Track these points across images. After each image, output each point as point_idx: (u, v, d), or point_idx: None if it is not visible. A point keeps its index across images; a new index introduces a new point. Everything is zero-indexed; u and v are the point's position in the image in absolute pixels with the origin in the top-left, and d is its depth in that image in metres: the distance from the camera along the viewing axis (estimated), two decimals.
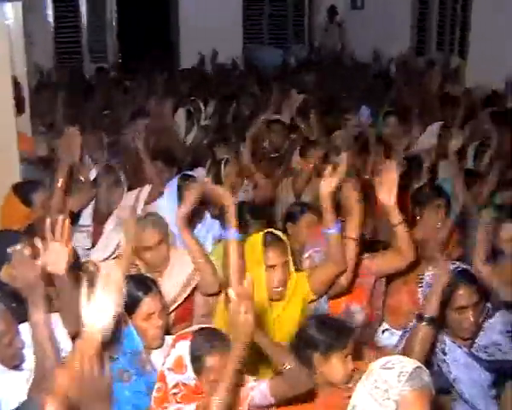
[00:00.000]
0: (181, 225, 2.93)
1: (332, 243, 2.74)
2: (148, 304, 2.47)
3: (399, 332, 3.10)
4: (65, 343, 2.48)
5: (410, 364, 1.75)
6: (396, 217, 2.80)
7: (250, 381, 2.27)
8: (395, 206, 2.77)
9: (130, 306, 2.43)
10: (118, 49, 10.28)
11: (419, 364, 1.78)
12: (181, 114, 5.94)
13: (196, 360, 2.15)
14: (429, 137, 4.90)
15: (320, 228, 3.17)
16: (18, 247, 2.17)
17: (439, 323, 2.48)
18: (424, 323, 2.32)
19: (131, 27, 10.48)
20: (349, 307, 3.03)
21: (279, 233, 2.81)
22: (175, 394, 2.16)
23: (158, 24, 10.74)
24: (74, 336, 2.56)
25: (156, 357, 2.47)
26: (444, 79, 7.18)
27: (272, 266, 2.67)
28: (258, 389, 2.22)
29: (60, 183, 3.54)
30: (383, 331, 3.36)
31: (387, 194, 2.75)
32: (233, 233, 2.75)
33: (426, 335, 2.33)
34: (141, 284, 2.51)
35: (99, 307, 1.74)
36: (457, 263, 2.60)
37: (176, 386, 2.16)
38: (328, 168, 2.72)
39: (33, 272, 2.10)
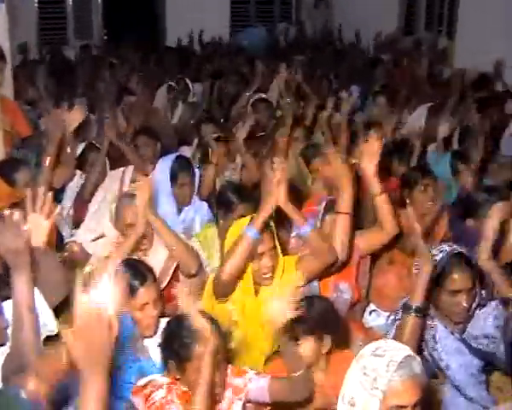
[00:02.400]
0: (147, 213, 2.81)
1: (310, 241, 2.65)
2: (143, 294, 2.43)
3: (386, 313, 3.10)
4: (46, 317, 2.44)
5: (400, 352, 1.72)
6: (376, 187, 2.79)
7: (249, 372, 2.25)
8: (376, 175, 2.77)
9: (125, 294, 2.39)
10: (103, 26, 10.13)
11: (410, 352, 1.75)
12: (162, 91, 5.87)
13: (184, 347, 2.11)
14: (417, 119, 4.87)
15: (305, 208, 3.16)
16: (6, 212, 2.08)
17: (430, 305, 2.46)
18: (412, 313, 2.28)
19: (117, 4, 10.30)
20: (338, 286, 3.00)
21: None
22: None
23: (144, 3, 10.56)
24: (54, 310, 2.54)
25: (150, 343, 2.45)
26: (432, 61, 7.14)
27: (260, 254, 2.60)
28: (256, 382, 2.20)
29: (47, 162, 3.45)
30: (370, 312, 3.35)
31: (369, 163, 2.74)
32: (252, 231, 2.52)
33: (414, 325, 2.28)
34: (137, 273, 2.47)
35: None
36: (454, 246, 2.54)
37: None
38: (276, 165, 2.54)
39: (21, 237, 2.02)
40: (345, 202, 2.76)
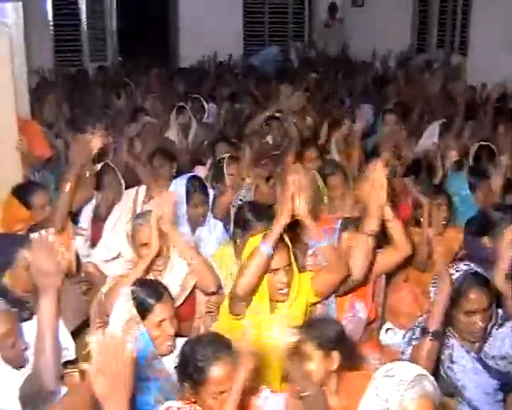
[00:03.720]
0: (169, 229, 2.88)
1: (326, 255, 2.69)
2: (159, 311, 2.45)
3: (402, 331, 3.09)
4: (65, 341, 2.48)
5: (411, 371, 1.72)
6: (388, 214, 2.81)
7: (265, 390, 2.26)
8: (386, 203, 2.78)
9: (142, 312, 2.42)
10: (117, 49, 10.25)
11: (422, 371, 1.74)
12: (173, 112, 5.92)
13: (199, 371, 2.12)
14: (430, 136, 4.88)
15: (322, 224, 3.18)
16: (42, 232, 2.10)
17: (447, 324, 2.46)
18: (429, 338, 2.27)
19: (131, 26, 10.47)
20: (354, 305, 3.02)
21: (283, 236, 2.73)
22: None
23: (157, 22, 10.72)
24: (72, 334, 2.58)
25: (168, 361, 2.46)
26: (445, 78, 7.15)
27: (275, 270, 2.64)
28: (273, 400, 2.20)
29: (68, 188, 3.48)
30: (386, 331, 3.35)
31: (377, 193, 2.75)
32: (265, 247, 2.54)
33: (431, 348, 2.28)
34: (152, 291, 2.49)
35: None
36: (470, 265, 2.54)
37: None
38: (290, 179, 2.57)
39: (53, 260, 2.01)
40: (373, 223, 2.77)
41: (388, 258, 3.00)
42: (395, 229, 2.86)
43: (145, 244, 2.94)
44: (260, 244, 2.53)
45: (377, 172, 2.76)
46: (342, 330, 2.41)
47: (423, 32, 9.78)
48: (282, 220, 2.54)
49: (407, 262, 3.15)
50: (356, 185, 2.94)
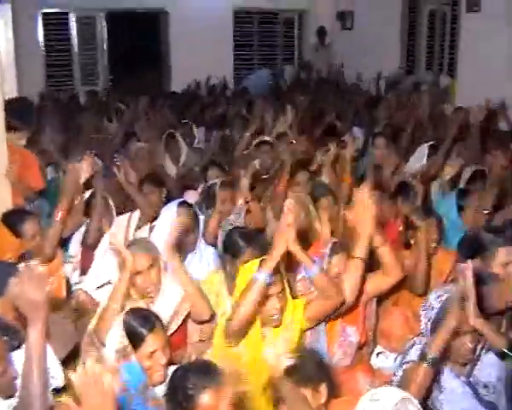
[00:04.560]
0: (170, 254, 2.91)
1: (317, 283, 2.70)
2: (151, 342, 2.43)
3: (394, 354, 3.11)
4: (54, 369, 2.47)
5: (395, 395, 1.74)
6: (377, 241, 2.84)
7: None
8: (374, 232, 2.80)
9: (134, 342, 2.41)
10: (108, 73, 10.31)
11: (406, 395, 1.76)
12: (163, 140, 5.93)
13: (188, 399, 2.11)
14: (418, 158, 4.92)
15: (312, 249, 3.20)
16: (31, 262, 2.10)
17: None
18: (426, 364, 2.27)
19: (122, 50, 10.54)
20: (345, 330, 3.03)
21: None
22: None
23: (148, 46, 10.80)
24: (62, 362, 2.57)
25: (159, 390, 2.45)
26: (433, 99, 7.23)
27: (269, 296, 2.65)
28: None
29: (59, 216, 3.49)
30: (377, 354, 3.36)
31: (364, 222, 2.77)
32: (262, 276, 2.52)
33: (425, 375, 2.28)
34: (144, 320, 2.48)
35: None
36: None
37: None
38: (287, 207, 2.55)
39: (41, 290, 2.01)
40: (362, 247, 2.80)
41: (379, 282, 3.02)
42: (385, 255, 2.89)
43: (139, 273, 2.95)
44: (257, 274, 2.53)
45: (363, 197, 2.78)
46: (322, 361, 2.41)
47: (412, 53, 9.90)
48: (279, 249, 2.52)
49: (397, 286, 3.16)
50: (345, 210, 2.96)
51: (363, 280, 2.91)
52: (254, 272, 2.57)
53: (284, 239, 2.52)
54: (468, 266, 2.33)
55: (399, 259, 3.05)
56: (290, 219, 2.51)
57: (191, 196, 4.64)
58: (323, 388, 2.28)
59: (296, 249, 2.57)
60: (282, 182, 4.34)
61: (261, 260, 2.61)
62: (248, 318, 2.59)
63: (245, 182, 4.12)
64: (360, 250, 2.80)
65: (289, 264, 3.27)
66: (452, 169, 4.24)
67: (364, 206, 2.77)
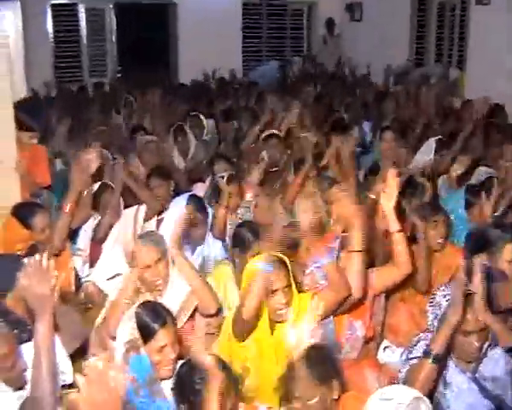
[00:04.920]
0: (175, 248, 2.92)
1: (328, 272, 2.73)
2: (162, 336, 2.45)
3: (400, 349, 3.12)
4: (63, 365, 2.50)
5: (408, 395, 1.75)
6: (394, 224, 2.85)
7: (261, 407, 2.27)
8: (394, 212, 2.82)
9: (144, 336, 2.43)
10: (117, 64, 10.30)
11: (418, 394, 1.77)
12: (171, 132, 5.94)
13: (196, 393, 2.13)
14: (426, 152, 4.90)
15: (320, 243, 3.20)
16: (36, 257, 2.11)
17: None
18: (430, 360, 2.28)
19: (131, 42, 10.53)
20: (352, 324, 3.03)
21: (280, 255, 2.79)
22: None
23: (157, 38, 10.79)
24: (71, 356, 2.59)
25: (166, 384, 2.47)
26: (443, 92, 7.19)
27: (275, 291, 2.67)
28: None
29: (68, 209, 3.50)
30: (384, 349, 3.38)
31: (388, 199, 2.80)
32: (265, 266, 2.58)
33: (430, 371, 2.28)
34: (156, 315, 2.50)
35: None
36: (467, 285, 2.52)
37: None
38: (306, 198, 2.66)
39: (48, 283, 2.04)
40: (355, 239, 2.80)
41: (387, 276, 3.02)
42: (399, 243, 2.88)
43: (148, 266, 2.97)
44: (259, 264, 2.55)
45: (389, 179, 2.83)
46: (335, 357, 2.41)
47: (421, 46, 9.85)
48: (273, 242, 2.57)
49: (405, 281, 3.16)
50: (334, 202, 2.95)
51: (366, 272, 2.91)
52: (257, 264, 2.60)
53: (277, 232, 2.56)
54: (477, 262, 2.33)
55: (411, 253, 3.04)
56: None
57: (200, 189, 4.66)
58: (336, 383, 2.29)
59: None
60: (300, 176, 4.29)
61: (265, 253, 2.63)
62: (256, 311, 2.60)
63: (255, 176, 4.12)
64: (356, 242, 2.80)
65: (296, 258, 3.31)
66: (461, 165, 4.21)
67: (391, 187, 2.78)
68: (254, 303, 2.57)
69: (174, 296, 3.02)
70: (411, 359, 2.55)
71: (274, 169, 5.05)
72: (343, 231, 3.25)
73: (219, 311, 3.06)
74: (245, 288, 2.66)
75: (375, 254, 3.32)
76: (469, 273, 2.91)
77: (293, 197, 4.16)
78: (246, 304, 2.58)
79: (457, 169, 4.16)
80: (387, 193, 2.84)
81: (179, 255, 2.93)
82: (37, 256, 2.12)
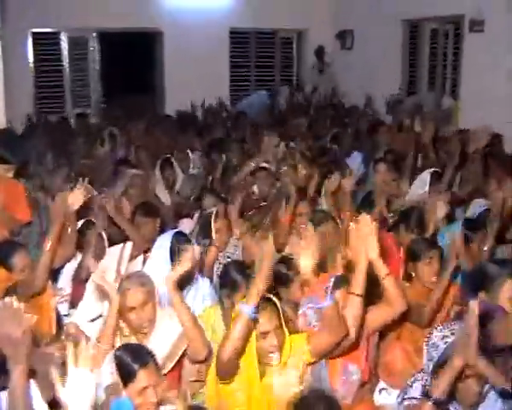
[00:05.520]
0: (171, 288, 2.93)
1: (327, 315, 2.73)
2: (143, 377, 2.45)
3: (397, 391, 3.13)
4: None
5: None
6: (381, 269, 2.87)
7: None
8: (378, 258, 2.83)
9: (125, 377, 2.44)
10: (101, 95, 10.38)
11: None
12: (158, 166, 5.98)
13: None
14: (420, 186, 4.95)
15: (314, 284, 3.23)
16: (6, 299, 2.10)
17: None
18: (430, 403, 2.30)
19: (115, 71, 10.60)
20: (347, 368, 3.04)
21: (270, 296, 2.80)
22: None
23: (142, 68, 10.88)
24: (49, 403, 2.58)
25: None
26: (436, 122, 7.29)
27: (265, 333, 2.68)
28: None
29: (49, 247, 3.50)
30: (380, 391, 3.38)
31: (372, 249, 2.80)
32: (247, 309, 2.56)
33: None
34: (136, 355, 2.51)
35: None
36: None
37: None
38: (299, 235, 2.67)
39: (20, 327, 2.02)
40: (358, 282, 2.83)
41: (382, 314, 3.04)
42: (389, 285, 2.90)
43: (133, 308, 2.97)
44: (242, 307, 2.56)
45: (364, 224, 2.81)
46: (335, 401, 2.42)
47: (413, 74, 9.97)
48: (260, 279, 2.56)
49: (400, 319, 3.19)
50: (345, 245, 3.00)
51: (363, 316, 2.93)
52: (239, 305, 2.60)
53: (267, 269, 2.56)
54: (473, 305, 2.35)
55: (403, 290, 3.07)
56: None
57: (186, 225, 4.68)
58: None
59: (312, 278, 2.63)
60: (287, 212, 4.32)
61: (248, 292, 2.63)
62: (236, 354, 2.61)
63: (234, 214, 4.13)
64: (357, 285, 2.83)
65: (286, 297, 3.34)
66: (442, 211, 4.27)
67: (360, 237, 2.80)
68: (233, 345, 2.57)
69: (161, 340, 3.01)
70: (406, 399, 2.57)
71: (263, 204, 5.11)
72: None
73: (209, 357, 3.05)
74: (227, 329, 2.67)
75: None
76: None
77: (285, 235, 4.21)
78: (226, 346, 2.59)
79: (441, 213, 4.24)
80: (368, 242, 2.81)
81: (176, 295, 2.93)
82: (6, 298, 2.12)
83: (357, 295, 2.83)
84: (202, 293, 3.69)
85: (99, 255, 3.99)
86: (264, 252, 2.66)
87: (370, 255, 2.82)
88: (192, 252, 3.02)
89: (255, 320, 2.61)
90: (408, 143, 6.01)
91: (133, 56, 10.89)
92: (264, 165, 5.48)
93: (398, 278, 3.50)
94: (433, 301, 3.42)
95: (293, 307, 3.34)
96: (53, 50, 9.99)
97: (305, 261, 2.66)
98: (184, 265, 2.94)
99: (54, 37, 9.95)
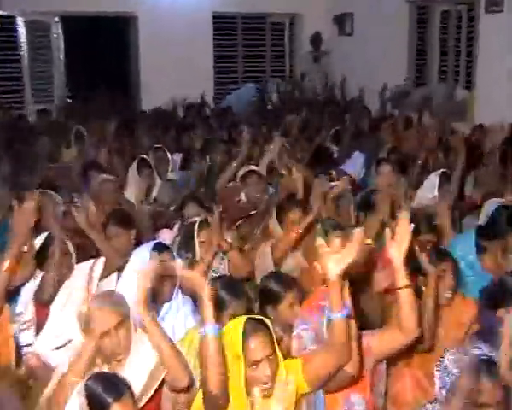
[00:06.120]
0: (142, 311, 2.92)
1: (336, 330, 2.69)
2: None
3: None
4: None
5: None
6: (402, 278, 2.82)
7: None
8: (403, 264, 2.81)
9: None
10: (66, 89, 10.38)
11: None
12: (134, 167, 6.02)
13: None
14: (428, 190, 4.99)
15: (310, 302, 3.24)
16: None
17: None
18: None
19: (83, 62, 10.58)
20: (349, 399, 3.03)
21: (262, 318, 2.79)
22: None
23: (114, 58, 10.87)
24: None
25: None
26: (448, 117, 7.36)
27: (257, 362, 2.67)
28: None
29: (6, 266, 3.48)
30: None
31: (398, 250, 2.79)
32: (210, 329, 2.63)
33: None
34: (109, 386, 2.51)
35: None
36: (483, 348, 2.60)
37: None
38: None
39: None
40: (336, 301, 2.70)
41: (391, 341, 3.01)
42: (405, 301, 2.84)
43: (107, 333, 2.97)
44: (205, 329, 2.62)
45: (404, 223, 2.83)
46: None
47: (422, 62, 10.03)
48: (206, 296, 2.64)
49: (410, 347, 3.16)
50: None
51: (359, 341, 2.92)
52: (238, 335, 2.63)
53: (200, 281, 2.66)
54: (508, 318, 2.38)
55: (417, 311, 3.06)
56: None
57: (166, 237, 4.68)
58: None
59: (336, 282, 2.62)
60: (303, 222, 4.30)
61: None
62: (221, 383, 2.61)
63: (215, 224, 4.14)
64: (336, 304, 2.71)
65: (279, 317, 3.35)
66: (445, 221, 4.32)
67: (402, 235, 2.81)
68: (215, 375, 2.60)
69: (137, 369, 3.02)
70: None
71: (253, 212, 5.11)
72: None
73: (190, 386, 3.06)
74: (200, 360, 2.69)
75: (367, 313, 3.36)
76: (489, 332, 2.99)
77: (285, 251, 4.24)
78: (208, 379, 2.60)
79: (444, 218, 4.29)
80: (398, 242, 2.80)
81: (148, 317, 2.94)
82: None
83: (346, 317, 2.73)
84: (184, 313, 3.70)
85: (65, 274, 3.99)
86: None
87: (397, 260, 2.81)
88: (155, 263, 3.02)
89: (245, 347, 2.62)
90: (415, 142, 6.06)
91: (103, 45, 10.86)
92: (254, 168, 5.49)
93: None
94: (428, 323, 3.41)
95: (283, 328, 3.36)
96: (9, 38, 9.96)
97: (335, 263, 2.61)
98: (143, 283, 2.94)
99: (9, 21, 9.90)
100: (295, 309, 3.32)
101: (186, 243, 4.19)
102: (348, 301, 2.78)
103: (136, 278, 2.99)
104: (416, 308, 2.91)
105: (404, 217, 2.87)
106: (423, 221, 4.29)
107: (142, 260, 3.67)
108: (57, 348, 3.69)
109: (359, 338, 2.90)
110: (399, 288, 2.84)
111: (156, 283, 3.48)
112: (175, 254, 4.01)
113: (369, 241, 3.84)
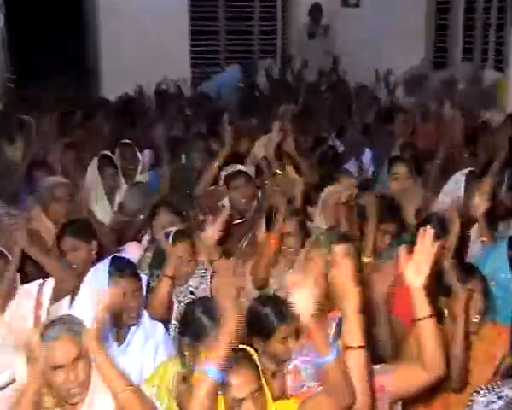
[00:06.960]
0: (94, 348, 2.88)
1: (330, 374, 2.71)
2: None
3: None
4: None
5: None
6: (422, 307, 2.84)
7: None
8: (423, 291, 2.83)
9: None
10: (9, 74, 10.38)
11: None
12: (94, 165, 6.02)
13: None
14: (453, 192, 5.01)
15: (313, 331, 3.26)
16: None
17: None
18: None
19: (28, 40, 10.56)
20: None
21: (247, 349, 2.82)
22: None
23: (69, 38, 10.80)
24: None
25: None
26: (474, 104, 7.40)
27: (239, 400, 2.70)
28: None
29: None
30: None
31: (417, 273, 2.81)
32: (212, 370, 2.63)
33: None
34: None
35: None
36: None
37: None
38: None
39: None
40: (353, 329, 2.79)
41: (412, 379, 3.01)
42: (428, 334, 2.87)
43: (61, 367, 2.96)
44: (205, 368, 2.60)
45: (426, 242, 2.83)
46: None
47: (443, 39, 10.07)
48: (229, 331, 2.61)
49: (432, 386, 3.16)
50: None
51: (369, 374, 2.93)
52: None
53: (231, 321, 2.62)
54: None
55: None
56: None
57: (133, 251, 4.69)
58: None
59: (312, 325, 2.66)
60: (275, 232, 4.33)
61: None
62: None
63: (210, 234, 4.15)
64: (353, 335, 2.80)
65: (268, 349, 3.36)
66: (482, 207, 4.34)
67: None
68: None
69: None
70: None
71: (239, 221, 5.14)
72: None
73: None
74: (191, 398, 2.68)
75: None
76: None
77: (267, 267, 4.26)
78: None
79: (481, 209, 4.31)
80: (417, 263, 2.83)
81: (99, 353, 2.92)
82: None
83: (357, 347, 2.81)
84: (154, 342, 3.70)
85: (6, 296, 3.99)
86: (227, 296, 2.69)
87: (416, 285, 2.83)
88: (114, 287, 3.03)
89: (225, 383, 2.64)
90: (435, 136, 6.08)
91: (55, 23, 10.84)
92: (242, 168, 5.52)
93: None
94: (458, 358, 3.42)
95: (274, 361, 3.37)
96: None
97: (304, 302, 2.67)
98: (101, 313, 2.93)
99: None
100: (289, 344, 3.34)
101: (158, 259, 4.20)
102: (359, 333, 2.80)
103: (91, 304, 2.99)
104: (441, 342, 2.92)
105: (425, 232, 2.87)
106: (385, 207, 4.42)
107: (98, 279, 3.67)
108: None
109: (371, 375, 2.90)
110: (420, 319, 2.86)
111: (117, 306, 3.51)
112: (143, 273, 4.03)
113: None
